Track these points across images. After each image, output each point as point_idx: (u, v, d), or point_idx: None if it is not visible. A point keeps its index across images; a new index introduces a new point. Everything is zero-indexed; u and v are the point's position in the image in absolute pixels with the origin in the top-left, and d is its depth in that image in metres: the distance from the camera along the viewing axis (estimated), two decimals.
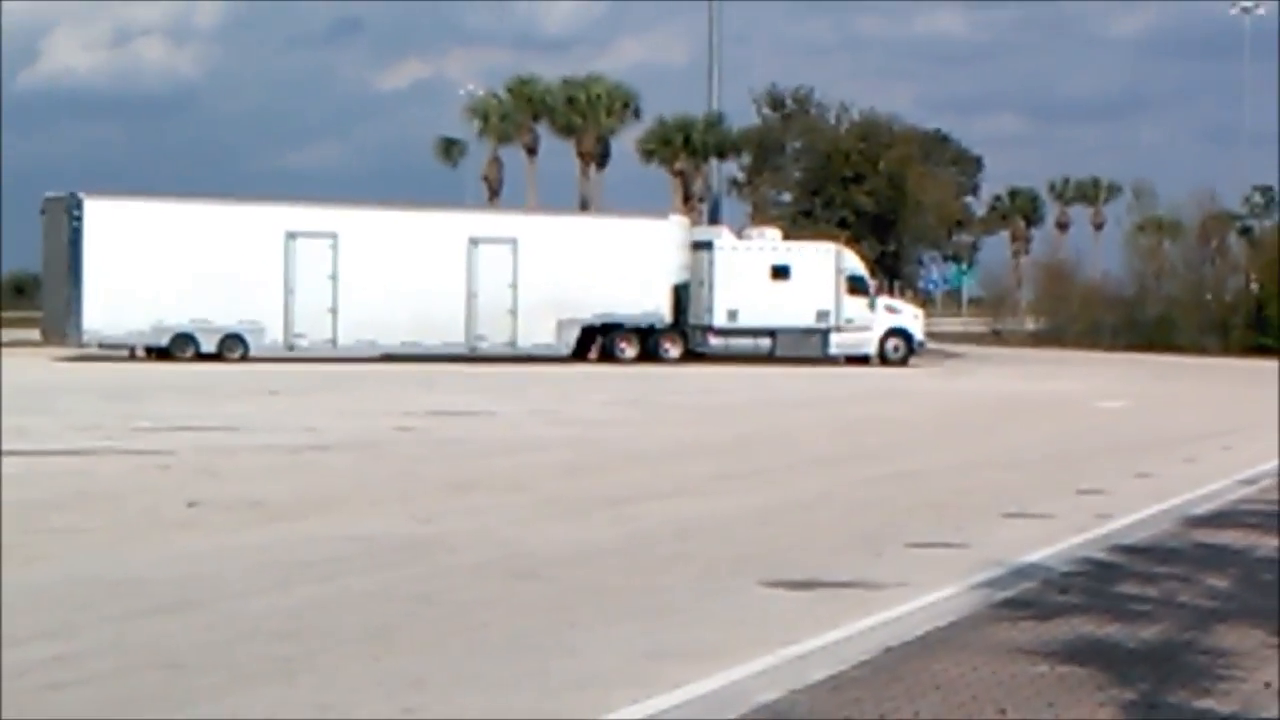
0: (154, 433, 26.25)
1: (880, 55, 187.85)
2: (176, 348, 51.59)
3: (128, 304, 50.69)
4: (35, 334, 56.11)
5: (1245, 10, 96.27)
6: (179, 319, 51.57)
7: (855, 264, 60.02)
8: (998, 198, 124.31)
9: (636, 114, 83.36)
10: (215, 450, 23.82)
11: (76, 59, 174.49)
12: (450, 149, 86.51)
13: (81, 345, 51.55)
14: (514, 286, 55.42)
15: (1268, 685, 9.65)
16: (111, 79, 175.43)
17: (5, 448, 22.79)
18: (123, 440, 24.89)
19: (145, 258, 51.18)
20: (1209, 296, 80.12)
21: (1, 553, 13.74)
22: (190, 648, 10.52)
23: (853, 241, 66.88)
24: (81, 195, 52.00)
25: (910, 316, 61.87)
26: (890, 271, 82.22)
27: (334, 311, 53.36)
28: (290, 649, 10.52)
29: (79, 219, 51.43)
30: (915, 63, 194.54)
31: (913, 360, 59.67)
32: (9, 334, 61.41)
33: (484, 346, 55.07)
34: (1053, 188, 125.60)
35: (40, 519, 16.30)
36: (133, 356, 52.08)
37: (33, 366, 47.25)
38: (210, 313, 51.64)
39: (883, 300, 62.21)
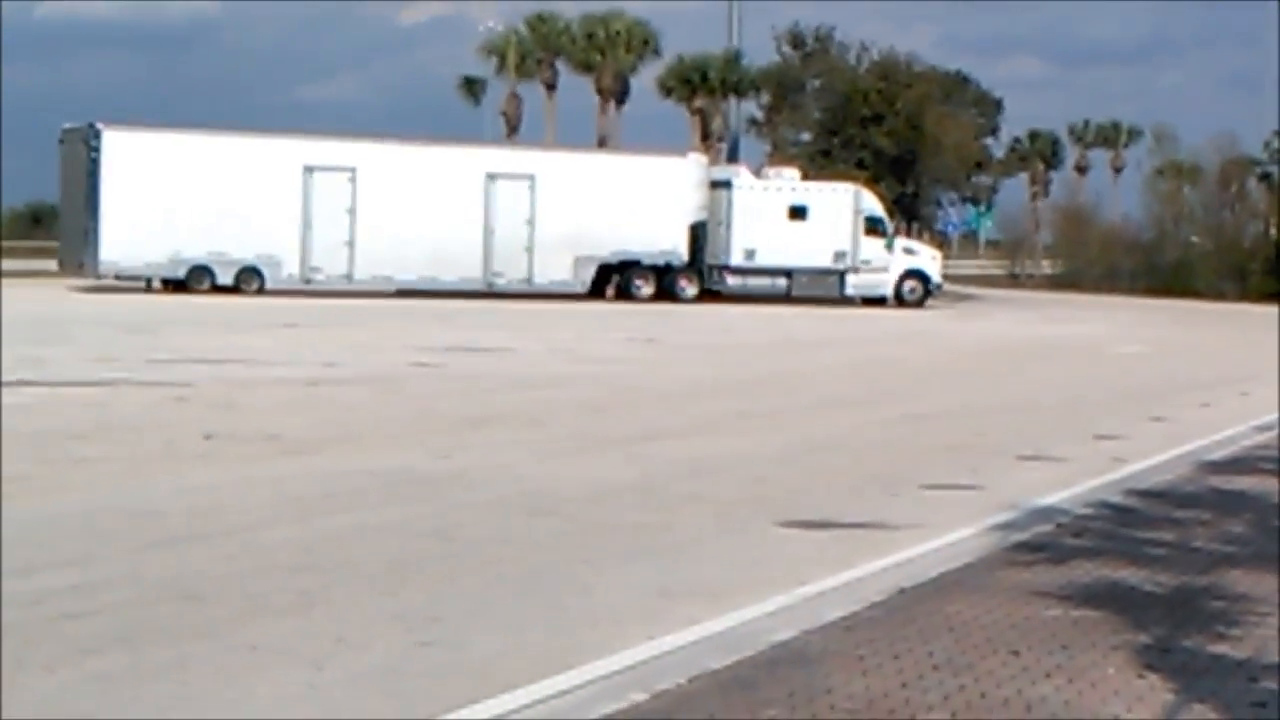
0: (171, 364, 26.29)
1: None
2: (193, 280, 51.65)
3: (145, 235, 50.72)
4: (52, 264, 56.18)
5: None
6: (196, 251, 51.60)
7: (873, 205, 59.90)
8: (1017, 140, 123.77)
9: (656, 51, 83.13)
10: (232, 383, 23.85)
11: None
12: (472, 87, 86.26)
13: (98, 276, 51.60)
14: (531, 223, 55.39)
15: None
16: (130, 10, 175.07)
17: (24, 378, 22.86)
18: (140, 372, 24.93)
19: (163, 189, 51.20)
20: (1227, 242, 79.87)
21: (1, 485, 13.77)
22: (207, 579, 10.56)
23: (871, 182, 66.66)
24: (100, 126, 52.00)
25: (928, 258, 61.81)
26: (908, 213, 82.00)
27: (351, 245, 53.38)
28: (307, 581, 10.55)
29: (97, 150, 51.43)
30: (937, 3, 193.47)
31: (929, 302, 59.62)
32: (26, 264, 61.48)
33: (501, 283, 55.06)
34: (1072, 131, 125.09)
35: (58, 449, 16.35)
36: (149, 288, 52.14)
37: (50, 297, 47.31)
38: (227, 245, 51.66)
39: (900, 241, 62.11)
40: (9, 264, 63.78)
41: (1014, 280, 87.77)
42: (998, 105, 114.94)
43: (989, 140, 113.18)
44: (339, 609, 9.89)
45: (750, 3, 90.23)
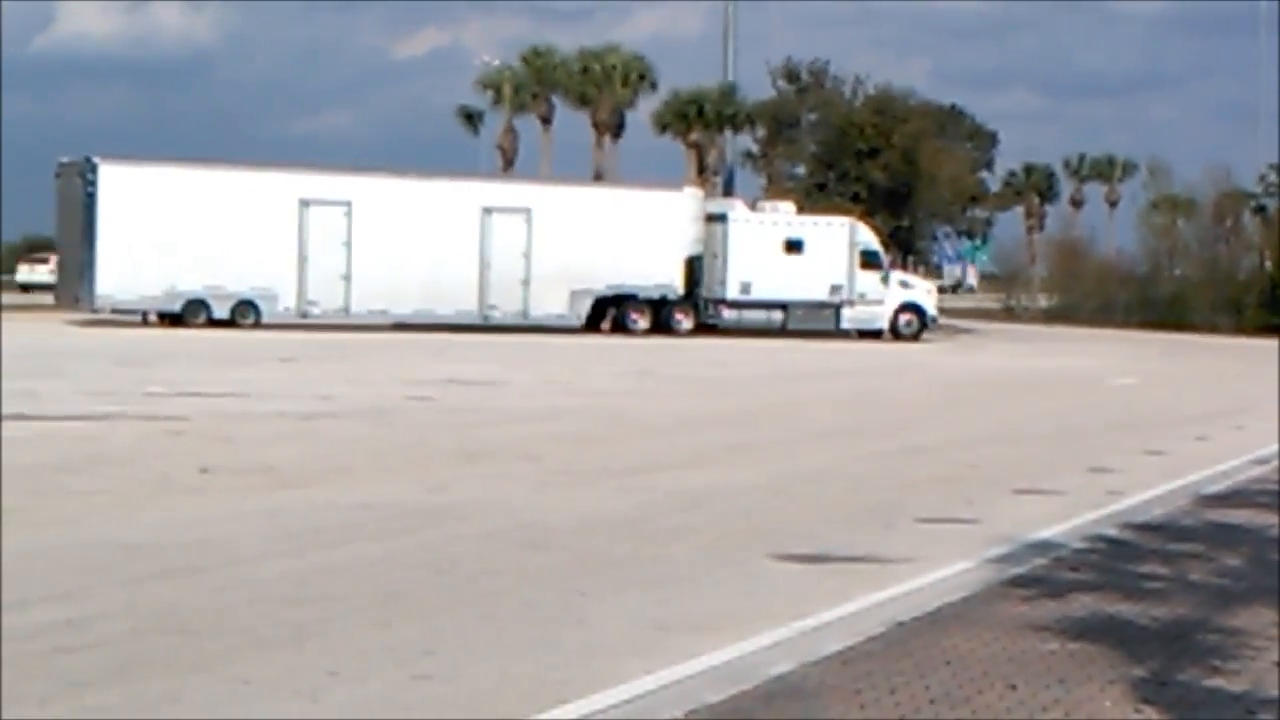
0: (166, 398, 26.27)
1: (896, 29, 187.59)
2: (189, 314, 51.63)
3: (141, 269, 50.70)
4: (49, 298, 56.17)
5: None
6: (192, 285, 51.58)
7: (869, 238, 59.96)
8: (1012, 174, 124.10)
9: (652, 85, 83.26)
10: (228, 416, 23.84)
11: (92, 23, 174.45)
12: (470, 119, 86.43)
13: (95, 310, 51.58)
14: (527, 256, 55.41)
15: (1277, 664, 9.64)
16: (127, 44, 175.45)
17: (19, 411, 22.84)
18: (135, 405, 24.90)
19: (159, 223, 51.21)
20: (1222, 275, 79.94)
21: (1, 518, 13.74)
22: (201, 612, 10.53)
23: (866, 216, 66.76)
24: (96, 160, 52.02)
25: (923, 292, 61.88)
26: (904, 246, 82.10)
27: (347, 279, 53.37)
28: (301, 614, 10.52)
29: (93, 183, 51.45)
30: (931, 37, 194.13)
31: (925, 335, 59.66)
32: (22, 298, 61.50)
33: (496, 316, 55.06)
34: (1068, 164, 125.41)
35: (53, 482, 16.33)
36: (145, 322, 52.13)
37: (46, 331, 47.28)
38: (223, 279, 51.66)
39: (896, 275, 62.16)
40: (4, 298, 63.83)
41: (1009, 313, 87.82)
42: (992, 139, 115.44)
43: (984, 174, 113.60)
44: (333, 642, 9.86)
45: (745, 37, 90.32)
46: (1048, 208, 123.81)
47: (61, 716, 8.10)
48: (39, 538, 13.09)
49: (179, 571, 11.91)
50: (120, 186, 51.45)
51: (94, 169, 51.66)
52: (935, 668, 9.38)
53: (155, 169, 52.89)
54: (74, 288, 52.41)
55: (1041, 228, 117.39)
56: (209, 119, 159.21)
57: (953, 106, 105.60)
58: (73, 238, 52.78)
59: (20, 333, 45.33)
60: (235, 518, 14.49)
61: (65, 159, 54.20)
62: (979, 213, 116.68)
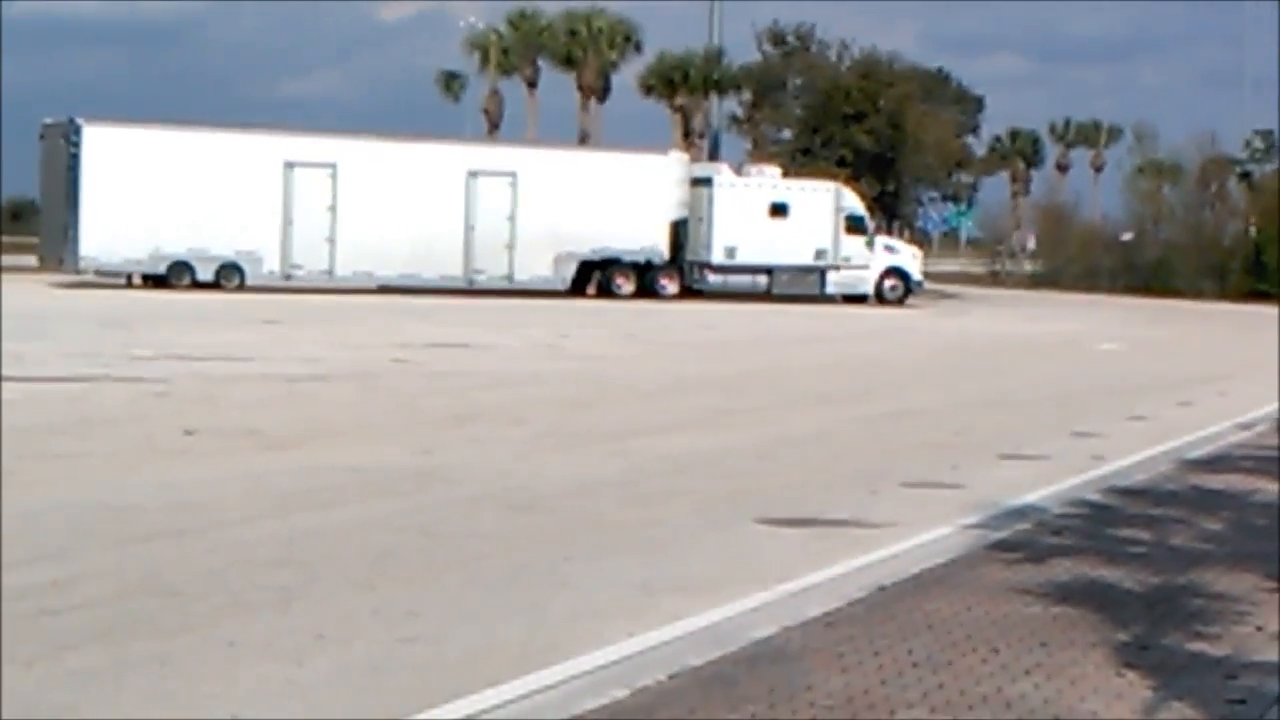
0: (151, 360, 26.25)
1: None
2: (174, 276, 51.56)
3: (125, 231, 50.62)
4: (32, 260, 56.08)
5: None
6: (176, 247, 51.50)
7: (854, 203, 59.97)
8: (998, 139, 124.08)
9: (638, 48, 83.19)
10: (213, 379, 23.83)
11: None
12: (451, 83, 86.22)
13: (79, 272, 51.51)
14: (512, 220, 55.38)
15: (1259, 629, 9.69)
16: (112, 7, 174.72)
17: (3, 373, 22.82)
18: (120, 367, 24.88)
19: (143, 185, 51.10)
20: (1207, 241, 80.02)
21: (1, 481, 13.76)
22: (187, 574, 10.55)
23: (852, 180, 66.70)
24: (80, 121, 51.91)
25: (909, 256, 61.90)
26: (889, 211, 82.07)
27: (332, 242, 53.32)
28: (287, 577, 10.55)
29: (77, 145, 51.33)
30: (917, 1, 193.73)
31: (910, 300, 59.70)
32: (6, 259, 61.34)
33: (481, 280, 55.04)
34: (1053, 129, 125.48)
35: (38, 444, 16.33)
36: (130, 284, 52.06)
37: (30, 293, 47.18)
38: (208, 241, 51.59)
39: (881, 239, 62.17)
40: None
41: (994, 278, 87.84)
42: (979, 103, 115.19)
43: (970, 138, 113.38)
44: (319, 604, 9.89)
45: (731, 1, 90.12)
46: (1033, 173, 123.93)
47: (47, 677, 8.12)
48: (25, 500, 13.09)
49: (165, 534, 11.92)
50: (104, 148, 51.34)
51: (78, 130, 51.54)
52: (918, 631, 9.42)
53: (140, 130, 52.76)
54: (58, 249, 52.31)
55: (1027, 193, 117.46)
56: (194, 81, 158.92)
57: (939, 71, 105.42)
58: (56, 199, 52.67)
59: (4, 294, 45.23)
60: (221, 480, 14.49)
61: (49, 120, 54.05)
62: (965, 178, 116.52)
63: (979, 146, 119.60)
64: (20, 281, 51.67)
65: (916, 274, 61.01)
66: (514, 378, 26.19)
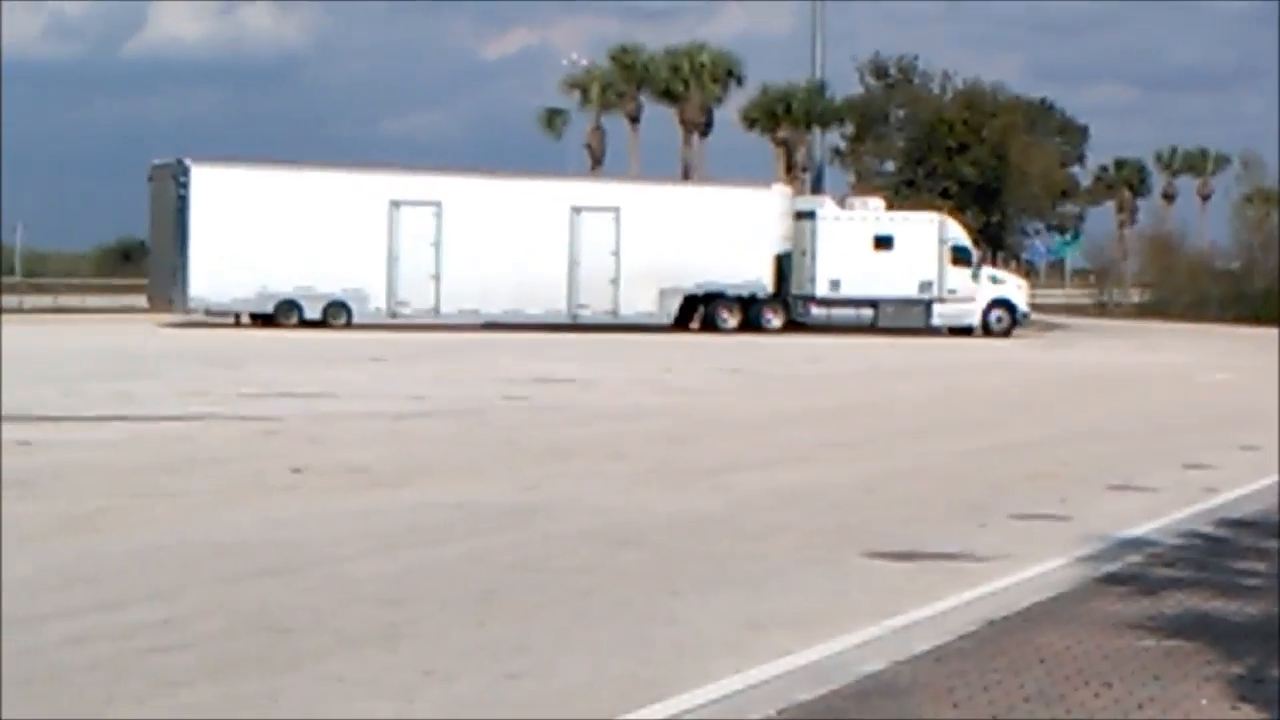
0: (259, 399, 26.44)
1: (985, 24, 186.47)
2: (281, 314, 51.96)
3: (233, 270, 51.07)
4: (142, 300, 56.68)
5: None
6: (284, 286, 51.91)
7: (959, 234, 59.74)
8: (1103, 168, 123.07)
9: (740, 82, 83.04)
10: (320, 416, 23.98)
11: (183, 27, 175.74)
12: (554, 119, 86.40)
13: (188, 311, 51.99)
14: (616, 255, 55.49)
15: None
16: (218, 47, 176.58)
17: (113, 412, 23.08)
18: (228, 406, 25.08)
19: (251, 224, 51.58)
20: None
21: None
22: (295, 611, 10.60)
23: (956, 211, 66.45)
24: (188, 162, 52.45)
25: (1014, 287, 61.55)
26: (994, 242, 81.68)
27: (437, 279, 53.60)
28: (394, 613, 10.57)
29: (185, 186, 51.87)
30: (1020, 32, 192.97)
31: (1016, 331, 59.35)
32: (115, 300, 62.09)
33: (586, 315, 55.15)
34: (1159, 158, 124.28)
35: (147, 483, 16.47)
36: (238, 323, 52.49)
37: (139, 332, 47.70)
38: (315, 280, 51.97)
39: (986, 271, 61.90)
40: (98, 300, 64.47)
41: (1101, 309, 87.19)
42: (1083, 133, 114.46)
43: (1075, 168, 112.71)
44: (427, 641, 9.90)
45: (833, 34, 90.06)
46: (1139, 202, 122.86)
47: (158, 715, 8.17)
48: (135, 538, 13.21)
49: (273, 571, 11.99)
50: (212, 188, 51.85)
51: (186, 171, 52.08)
52: (1029, 666, 9.33)
53: (247, 171, 53.29)
54: (167, 290, 52.85)
55: (1134, 222, 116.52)
56: (300, 121, 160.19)
57: (1043, 101, 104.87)
58: (165, 240, 53.23)
59: (114, 334, 45.81)
60: (328, 517, 14.57)
61: (158, 161, 54.66)
62: (1070, 207, 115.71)
63: (1084, 176, 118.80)
64: (130, 322, 52.27)
65: (1022, 305, 60.65)
66: (618, 413, 26.20)
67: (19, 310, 60.23)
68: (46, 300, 62.87)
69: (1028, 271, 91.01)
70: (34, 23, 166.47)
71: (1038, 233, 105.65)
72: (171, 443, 20.42)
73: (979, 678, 8.99)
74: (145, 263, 62.49)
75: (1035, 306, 64.77)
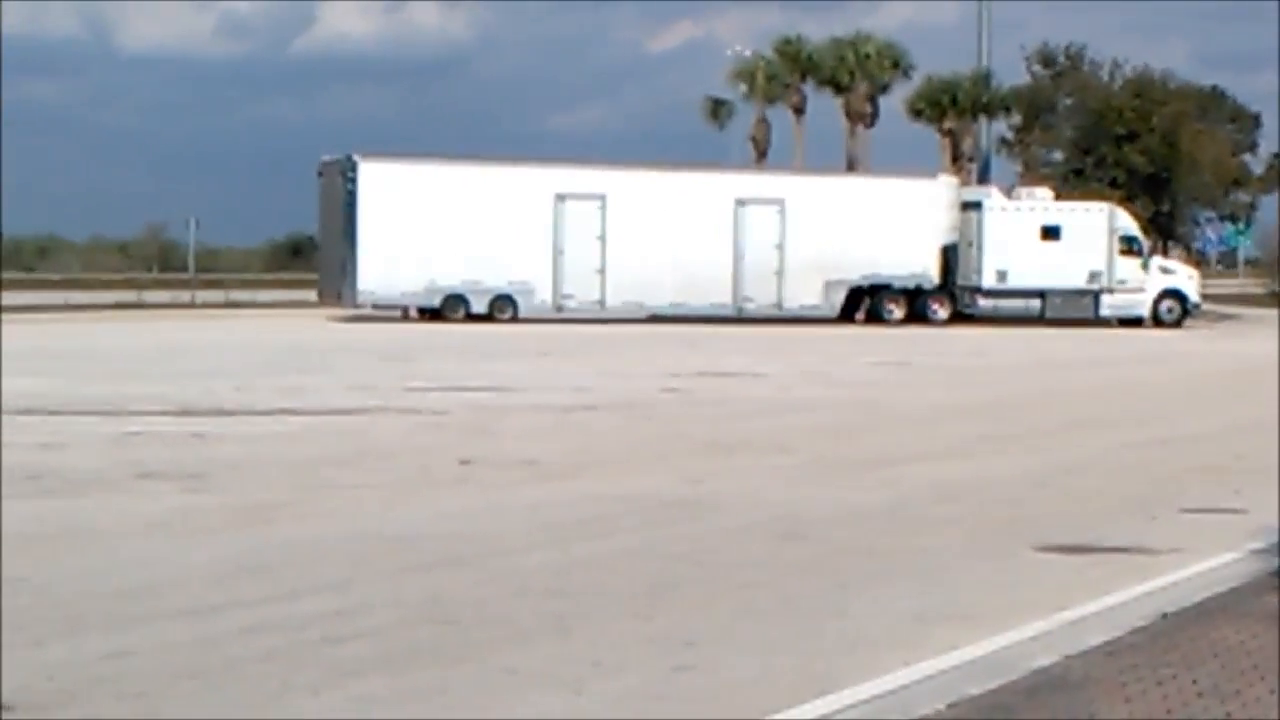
0: (427, 392, 26.67)
1: (1154, 11, 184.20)
2: (448, 308, 52.35)
3: (401, 265, 51.55)
4: (312, 295, 57.39)
5: None
6: (450, 280, 52.30)
7: (1128, 224, 59.07)
8: (1276, 156, 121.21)
9: (905, 72, 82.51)
10: (487, 409, 24.15)
11: (351, 24, 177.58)
12: (718, 110, 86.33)
13: (357, 306, 52.53)
14: (780, 247, 55.40)
15: None
16: (385, 44, 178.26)
17: (284, 406, 23.41)
18: (397, 399, 25.32)
19: (418, 219, 52.01)
20: None
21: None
22: (465, 603, 10.68)
23: (1125, 201, 65.74)
24: (356, 158, 52.98)
25: (1185, 278, 60.74)
26: (1164, 232, 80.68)
27: (602, 273, 53.77)
28: (562, 605, 10.63)
29: (354, 181, 52.40)
30: (1189, 19, 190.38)
31: (1187, 322, 58.56)
32: (286, 295, 62.94)
33: (750, 308, 55.11)
34: None
35: (318, 476, 16.67)
36: (405, 317, 52.97)
37: (309, 327, 48.30)
38: (481, 274, 52.32)
39: (1156, 261, 61.15)
40: (269, 294, 65.38)
41: (1276, 299, 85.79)
42: (1255, 120, 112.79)
43: (1246, 156, 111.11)
44: (595, 633, 9.95)
45: (1000, 23, 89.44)
46: None
47: (331, 705, 8.27)
48: (307, 530, 13.39)
49: (442, 563, 12.09)
50: (380, 184, 52.36)
51: (354, 167, 52.62)
52: (1203, 660, 9.21)
53: (414, 166, 53.78)
54: (336, 284, 53.43)
55: None
56: (465, 115, 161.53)
57: (1214, 88, 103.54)
58: (335, 235, 53.83)
59: (284, 329, 46.43)
60: (496, 510, 14.68)
61: (327, 158, 55.27)
62: (1242, 196, 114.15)
63: (1257, 164, 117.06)
64: (300, 317, 52.94)
65: (1194, 295, 59.81)
66: (783, 406, 26.16)
67: (191, 305, 61.24)
68: (219, 295, 63.83)
69: (1199, 261, 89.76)
70: (205, 22, 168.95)
71: (1209, 222, 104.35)
72: (342, 436, 20.65)
73: (1152, 672, 8.89)
74: (315, 257, 63.28)
75: (1207, 297, 63.81)
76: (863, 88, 79.83)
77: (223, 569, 11.58)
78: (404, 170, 53.33)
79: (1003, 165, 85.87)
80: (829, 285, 55.78)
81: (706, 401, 26.48)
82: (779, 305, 55.48)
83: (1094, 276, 57.41)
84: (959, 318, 56.71)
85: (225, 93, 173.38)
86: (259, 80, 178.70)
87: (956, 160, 78.31)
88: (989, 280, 56.90)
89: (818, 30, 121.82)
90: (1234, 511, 15.23)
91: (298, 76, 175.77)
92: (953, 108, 79.79)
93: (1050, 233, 57.28)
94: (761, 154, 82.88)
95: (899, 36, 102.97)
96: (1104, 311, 57.81)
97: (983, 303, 57.12)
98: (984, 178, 74.35)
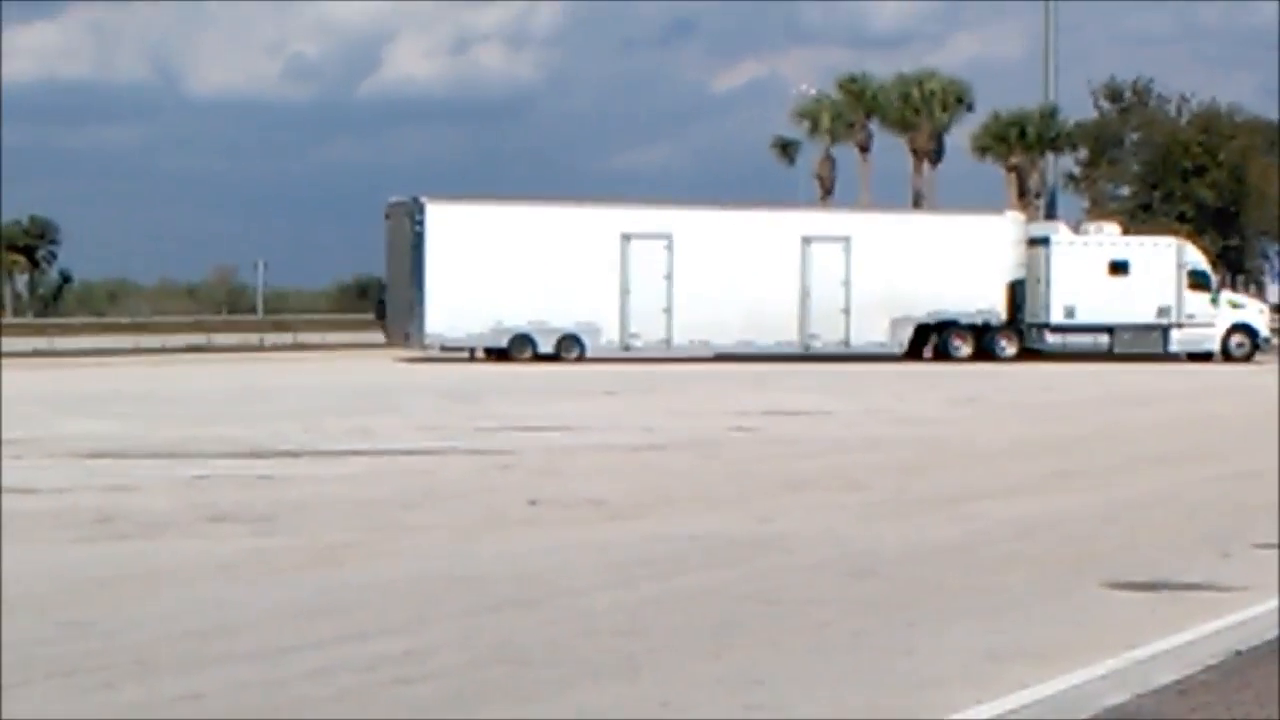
0: (495, 432, 26.72)
1: (1220, 45, 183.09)
2: (515, 349, 52.39)
3: (468, 306, 51.62)
4: (379, 336, 57.57)
5: None
6: (517, 320, 52.36)
7: (1197, 258, 58.77)
8: None
9: (970, 108, 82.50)
10: (555, 450, 24.16)
11: (417, 66, 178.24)
12: (787, 149, 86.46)
13: (424, 347, 52.66)
14: (847, 285, 55.27)
15: None
16: (451, 85, 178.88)
17: (353, 447, 23.49)
18: (465, 440, 25.38)
19: (485, 260, 52.08)
20: None
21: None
22: (534, 643, 10.70)
23: (1194, 235, 65.44)
24: (423, 199, 53.16)
25: (1255, 312, 60.37)
26: (1233, 266, 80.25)
27: (668, 312, 53.74)
28: (632, 645, 10.63)
29: (421, 223, 52.56)
30: (1258, 51, 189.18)
31: (1258, 357, 58.16)
32: (353, 336, 63.18)
33: (817, 345, 55.01)
34: None
35: (388, 517, 16.72)
36: (472, 357, 53.08)
37: (377, 368, 48.47)
38: (548, 314, 52.36)
39: (1226, 295, 60.80)
40: (337, 336, 65.63)
41: None
42: None
43: None
44: (664, 672, 9.94)
45: (1065, 57, 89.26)
46: None
47: None
48: (376, 571, 13.43)
49: (512, 603, 12.11)
50: (447, 225, 52.49)
51: (421, 209, 52.79)
52: (1275, 699, 9.14)
53: (480, 207, 53.91)
54: (404, 325, 53.57)
55: None
56: (531, 156, 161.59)
57: None
58: (402, 276, 53.97)
59: (352, 370, 46.63)
60: (565, 550, 14.69)
61: (394, 199, 55.47)
62: None
63: None
64: (368, 358, 53.15)
65: (1264, 330, 59.42)
66: (851, 443, 26.10)
67: (260, 348, 61.53)
68: (287, 338, 64.11)
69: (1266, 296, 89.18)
70: (273, 66, 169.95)
71: (1279, 255, 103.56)
72: (410, 476, 20.71)
73: (1224, 710, 8.84)
74: (380, 299, 63.47)
75: (1277, 331, 63.39)
76: (927, 125, 79.80)
77: (293, 610, 11.63)
78: (471, 211, 53.48)
79: (1069, 201, 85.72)
80: (895, 322, 55.64)
81: (774, 440, 26.45)
82: (846, 343, 55.34)
83: (1163, 311, 57.11)
84: (1027, 354, 56.45)
85: (293, 136, 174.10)
86: (326, 123, 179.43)
87: (1023, 196, 78.17)
88: (1057, 316, 56.67)
89: (882, 68, 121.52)
90: None
91: (365, 119, 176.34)
92: (1019, 143, 79.69)
93: (1118, 268, 57.05)
94: (827, 192, 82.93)
95: (964, 73, 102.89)
96: (1173, 347, 57.49)
97: (1051, 338, 56.88)
98: (1050, 213, 74.16)
